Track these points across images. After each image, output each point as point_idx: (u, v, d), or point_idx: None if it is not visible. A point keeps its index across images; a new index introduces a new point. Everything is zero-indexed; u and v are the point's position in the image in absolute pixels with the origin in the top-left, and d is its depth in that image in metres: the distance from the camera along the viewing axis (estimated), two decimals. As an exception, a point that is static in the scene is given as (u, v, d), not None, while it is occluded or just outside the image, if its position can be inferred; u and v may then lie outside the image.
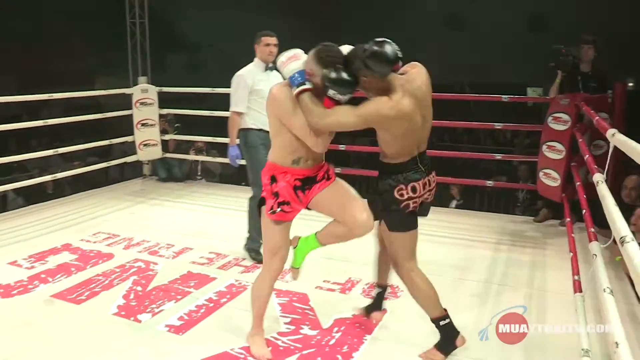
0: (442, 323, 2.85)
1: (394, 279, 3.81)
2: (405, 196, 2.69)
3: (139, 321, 3.25)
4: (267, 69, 4.13)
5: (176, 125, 6.96)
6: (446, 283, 3.84)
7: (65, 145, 7.05)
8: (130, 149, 7.06)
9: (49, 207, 5.83)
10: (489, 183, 5.69)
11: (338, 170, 6.27)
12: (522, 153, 8.54)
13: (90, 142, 6.55)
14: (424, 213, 2.90)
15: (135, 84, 6.89)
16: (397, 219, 2.78)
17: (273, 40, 4.13)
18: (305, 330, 3.17)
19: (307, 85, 2.53)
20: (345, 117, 2.50)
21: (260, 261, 4.07)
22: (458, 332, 2.86)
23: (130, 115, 6.59)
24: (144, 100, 6.48)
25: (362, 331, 3.15)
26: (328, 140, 2.69)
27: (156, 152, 6.62)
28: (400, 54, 2.50)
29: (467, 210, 6.00)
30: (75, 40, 14.56)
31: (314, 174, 2.76)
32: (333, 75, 2.45)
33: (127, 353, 2.93)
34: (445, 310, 2.87)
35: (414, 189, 2.69)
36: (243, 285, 3.73)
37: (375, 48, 2.47)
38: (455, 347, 2.86)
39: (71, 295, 3.60)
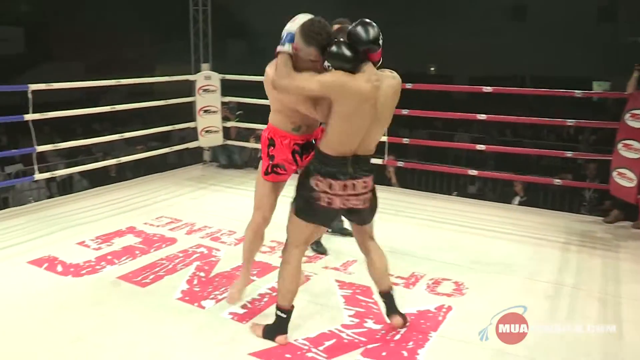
0: (280, 314, 2.87)
1: (459, 276, 3.74)
2: (320, 188, 2.70)
3: (203, 307, 3.27)
4: None
5: (238, 112, 6.98)
6: (516, 283, 3.73)
7: (126, 129, 7.21)
8: (188, 134, 7.14)
9: (113, 190, 5.96)
10: (557, 181, 5.46)
11: (401, 163, 6.18)
12: (587, 150, 8.20)
13: (150, 127, 6.64)
14: (358, 220, 2.96)
15: (198, 71, 6.96)
16: (303, 204, 2.79)
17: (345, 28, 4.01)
18: (370, 324, 3.11)
19: (286, 48, 2.63)
20: (307, 82, 2.59)
21: (321, 252, 4.04)
22: (285, 332, 2.88)
23: (189, 102, 6.66)
24: (207, 87, 6.52)
25: (427, 328, 3.08)
26: (328, 111, 2.68)
27: (217, 139, 6.67)
28: (380, 39, 2.59)
29: (530, 208, 5.79)
30: (139, 28, 14.89)
31: (312, 138, 2.91)
32: (334, 49, 2.56)
33: (193, 339, 2.95)
34: (292, 307, 2.88)
35: (330, 186, 2.69)
36: (305, 275, 3.70)
37: (355, 27, 2.59)
38: (274, 340, 2.87)
39: (136, 278, 3.66)
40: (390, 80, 2.69)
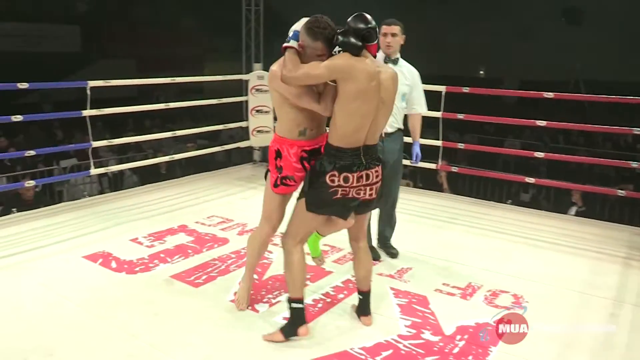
0: (293, 305, 2.88)
1: (517, 289, 3.60)
2: (336, 183, 2.73)
3: (257, 311, 3.22)
4: (386, 61, 3.80)
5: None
6: (576, 298, 3.57)
7: (176, 126, 7.23)
8: (237, 133, 7.13)
9: (163, 188, 6.02)
10: (620, 192, 5.22)
11: (455, 169, 6.03)
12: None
13: (199, 124, 6.67)
14: (365, 210, 2.98)
15: (249, 70, 6.96)
16: (316, 199, 2.80)
17: (390, 29, 3.81)
18: (427, 335, 3.02)
19: (292, 44, 2.70)
20: (313, 69, 2.65)
21: (374, 258, 3.96)
22: (304, 322, 2.91)
23: (240, 101, 6.66)
24: (260, 87, 6.51)
25: (487, 342, 2.96)
26: (331, 104, 2.72)
27: (269, 139, 6.62)
28: (374, 34, 2.71)
29: (588, 219, 5.57)
30: (191, 27, 15.05)
31: (318, 144, 2.90)
32: (341, 38, 2.66)
33: (247, 343, 2.91)
34: (303, 297, 2.90)
35: (345, 179, 2.73)
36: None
37: (354, 18, 2.71)
38: (296, 334, 2.89)
39: (189, 278, 3.65)
40: (387, 68, 2.86)
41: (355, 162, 2.73)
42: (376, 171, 2.81)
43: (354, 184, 2.75)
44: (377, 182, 2.84)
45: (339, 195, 2.76)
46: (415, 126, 4.20)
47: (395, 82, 2.82)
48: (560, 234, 4.81)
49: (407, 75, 3.95)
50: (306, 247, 3.06)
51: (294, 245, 2.90)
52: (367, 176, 2.77)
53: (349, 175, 2.72)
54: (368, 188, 2.80)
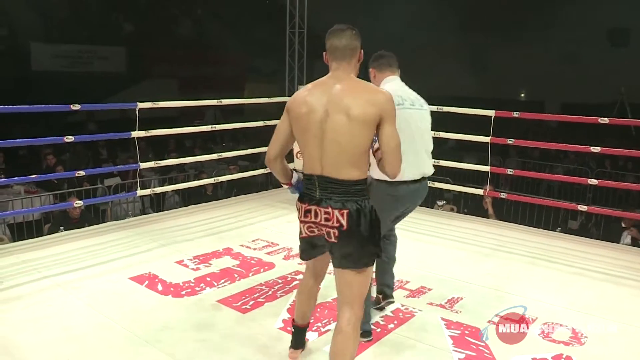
0: (289, 327, 2.92)
1: (574, 322, 3.44)
2: (298, 214, 2.44)
3: (306, 339, 3.15)
4: None
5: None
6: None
7: (217, 146, 7.22)
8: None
9: (206, 209, 6.03)
10: (679, 222, 5.02)
11: (503, 195, 5.89)
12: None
13: (239, 145, 6.70)
14: (334, 258, 2.39)
15: (292, 92, 6.95)
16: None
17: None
18: (483, 371, 2.91)
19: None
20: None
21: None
22: (293, 347, 2.86)
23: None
24: (304, 109, 6.49)
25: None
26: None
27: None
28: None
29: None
30: (234, 48, 15.22)
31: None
32: None
33: (297, 372, 2.84)
34: (300, 325, 2.84)
35: (298, 209, 2.42)
36: (410, 311, 3.54)
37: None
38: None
39: (236, 303, 3.61)
40: (358, 86, 2.45)
41: (308, 191, 2.38)
42: (326, 213, 2.30)
43: (302, 219, 2.40)
44: (325, 226, 2.32)
45: (302, 234, 2.47)
46: None
47: (366, 103, 2.29)
48: (615, 264, 4.63)
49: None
50: None
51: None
52: (315, 214, 2.33)
53: (299, 205, 2.40)
54: (314, 226, 2.37)
